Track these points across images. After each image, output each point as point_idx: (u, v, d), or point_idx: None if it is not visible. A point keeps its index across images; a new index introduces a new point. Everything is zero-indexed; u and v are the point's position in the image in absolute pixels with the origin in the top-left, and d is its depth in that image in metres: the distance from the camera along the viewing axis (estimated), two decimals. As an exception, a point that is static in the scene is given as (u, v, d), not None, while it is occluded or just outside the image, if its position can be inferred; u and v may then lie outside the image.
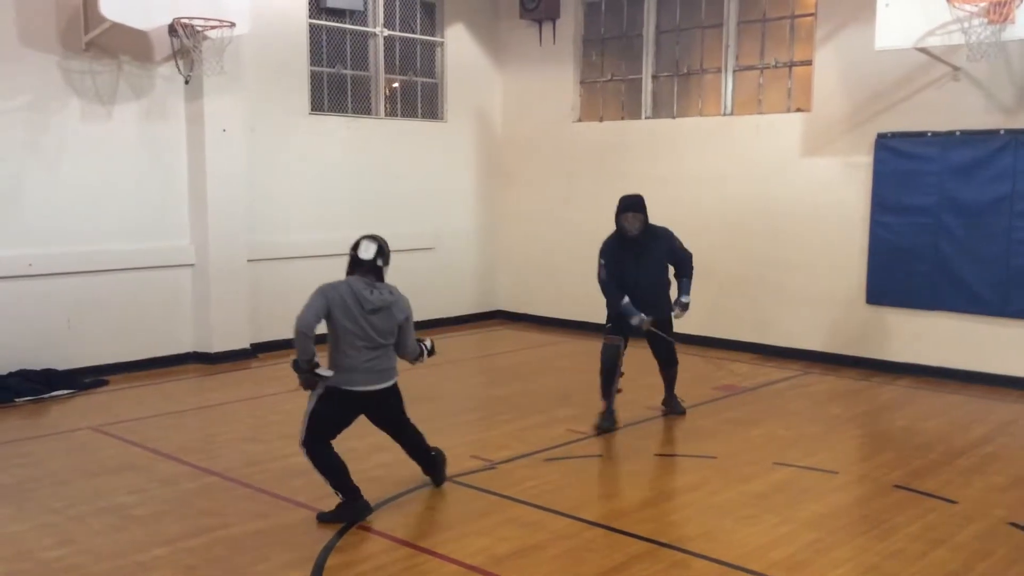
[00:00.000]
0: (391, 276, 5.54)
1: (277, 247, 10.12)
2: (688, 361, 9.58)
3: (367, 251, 5.30)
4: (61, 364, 8.56)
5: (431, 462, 5.78)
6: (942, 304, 8.97)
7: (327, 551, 4.81)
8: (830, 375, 9.24)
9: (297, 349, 5.17)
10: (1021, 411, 7.85)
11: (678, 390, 7.77)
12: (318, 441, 5.26)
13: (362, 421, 5.95)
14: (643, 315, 7.15)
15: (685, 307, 7.37)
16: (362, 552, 4.85)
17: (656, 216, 8.93)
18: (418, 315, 11.74)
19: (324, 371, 5.21)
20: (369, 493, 5.56)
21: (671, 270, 7.46)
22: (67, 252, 8.66)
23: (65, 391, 8.23)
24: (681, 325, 10.31)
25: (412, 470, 5.99)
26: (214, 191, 9.39)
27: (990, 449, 6.73)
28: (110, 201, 8.92)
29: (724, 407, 7.95)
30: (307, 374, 5.20)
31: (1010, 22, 7.42)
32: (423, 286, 10.50)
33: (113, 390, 8.48)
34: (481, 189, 12.38)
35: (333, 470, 5.26)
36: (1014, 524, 5.25)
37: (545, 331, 11.71)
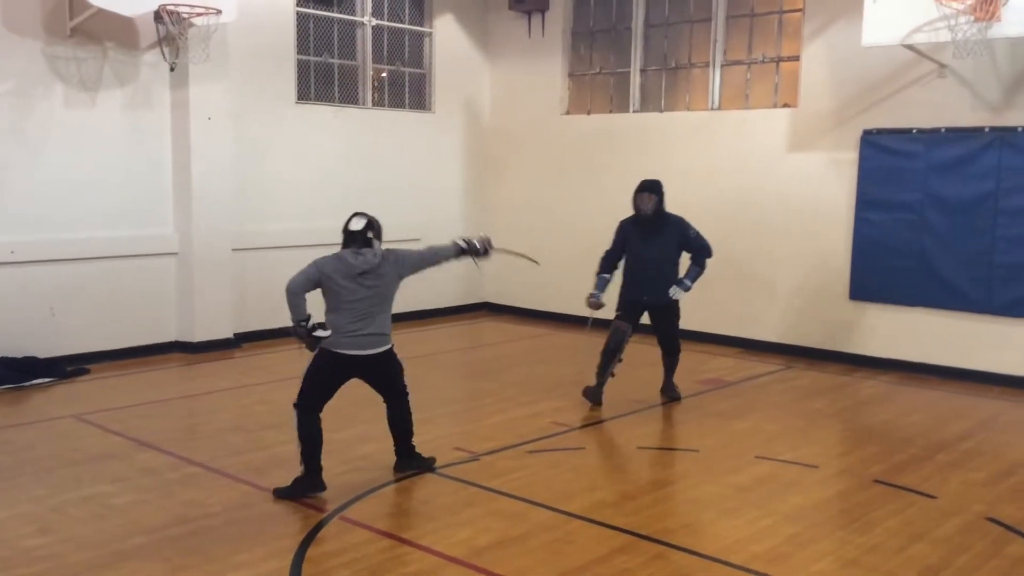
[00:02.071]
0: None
1: (263, 236, 10.08)
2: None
3: (357, 224, 5.53)
4: (43, 352, 8.50)
5: (408, 448, 5.91)
6: (925, 300, 9.02)
7: (307, 542, 4.80)
8: (813, 370, 9.27)
9: (290, 310, 5.43)
10: (1002, 407, 7.91)
11: (657, 383, 7.91)
12: (310, 405, 5.49)
13: (349, 410, 5.98)
14: (598, 295, 7.56)
15: (683, 288, 7.56)
16: (343, 543, 4.84)
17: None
18: (403, 306, 11.74)
19: (322, 332, 5.44)
20: (352, 483, 5.61)
21: (683, 260, 7.68)
22: (50, 240, 8.61)
23: (47, 379, 8.17)
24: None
25: (394, 461, 6.00)
26: (199, 179, 9.34)
27: (970, 445, 6.77)
28: (94, 189, 8.86)
29: (708, 401, 7.98)
30: (306, 336, 5.44)
31: (996, 20, 7.45)
32: (409, 277, 10.47)
33: (95, 379, 8.44)
34: (468, 181, 12.36)
35: (309, 439, 5.46)
36: (992, 519, 5.29)
37: (531, 323, 11.72)
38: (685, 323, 10.39)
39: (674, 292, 7.54)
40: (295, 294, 5.41)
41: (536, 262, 6.97)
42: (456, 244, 5.92)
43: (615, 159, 11.12)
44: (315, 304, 5.48)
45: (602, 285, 7.64)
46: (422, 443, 6.44)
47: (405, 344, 9.81)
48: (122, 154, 9.06)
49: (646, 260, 7.51)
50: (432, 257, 5.84)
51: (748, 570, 4.56)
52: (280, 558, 4.62)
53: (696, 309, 10.43)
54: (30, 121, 8.43)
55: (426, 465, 5.93)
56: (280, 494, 5.44)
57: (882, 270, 9.22)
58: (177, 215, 9.45)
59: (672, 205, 10.46)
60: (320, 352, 5.50)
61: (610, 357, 7.52)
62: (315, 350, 5.51)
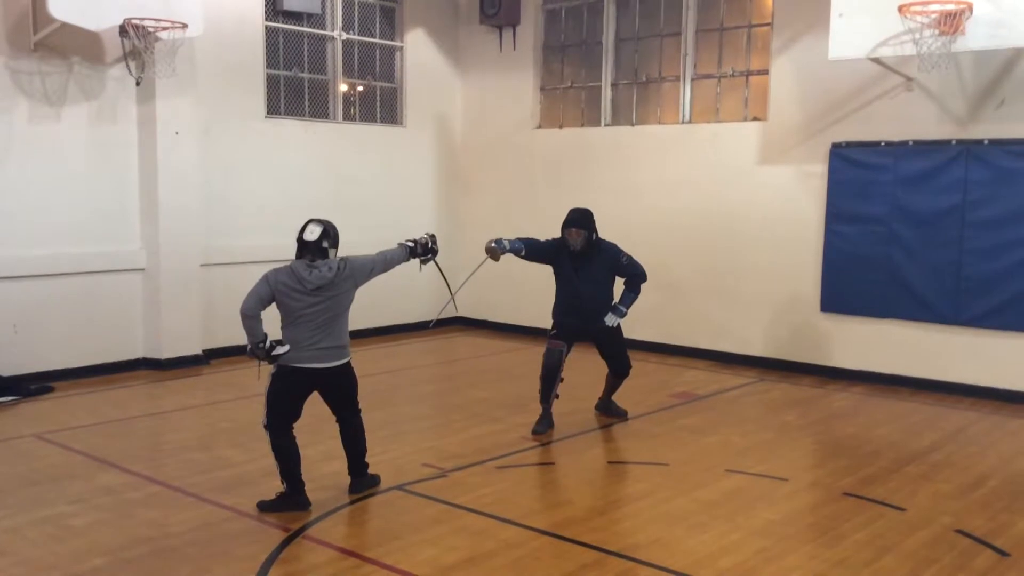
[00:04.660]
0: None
1: (231, 252, 9.98)
2: (644, 368, 9.60)
3: (312, 233, 5.38)
4: (6, 370, 8.36)
5: (360, 467, 5.82)
6: (895, 312, 9.05)
7: (270, 562, 4.72)
8: (785, 382, 9.28)
9: (246, 332, 5.35)
10: (971, 419, 7.93)
11: (634, 397, 7.77)
12: (279, 424, 5.43)
13: (314, 428, 5.90)
14: (503, 249, 7.05)
15: (618, 314, 7.30)
16: (306, 563, 4.76)
17: (615, 222, 8.97)
18: (375, 321, 11.68)
19: (281, 348, 5.35)
20: (316, 501, 5.53)
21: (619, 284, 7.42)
22: (14, 255, 8.48)
23: (10, 398, 8.04)
24: (637, 331, 10.36)
25: (361, 478, 5.95)
26: (166, 195, 9.24)
27: (939, 457, 6.78)
28: (59, 204, 8.75)
29: (679, 414, 7.95)
30: (265, 356, 5.36)
31: (960, 33, 7.51)
32: (381, 292, 10.41)
33: (60, 397, 8.30)
34: (440, 195, 12.32)
35: (286, 457, 5.41)
36: (960, 531, 5.28)
37: (503, 338, 11.67)
38: (657, 336, 10.50)
39: (610, 320, 7.27)
40: (251, 317, 5.31)
41: (453, 300, 6.99)
42: (403, 245, 5.92)
43: (587, 173, 11.13)
44: (274, 319, 5.42)
45: (510, 245, 7.10)
46: (390, 459, 6.41)
47: (376, 359, 9.83)
48: (88, 169, 8.95)
49: (579, 292, 7.21)
50: (384, 263, 5.79)
51: (716, 585, 4.53)
52: (241, 579, 4.54)
53: (668, 322, 10.50)
54: (-7, 136, 8.33)
55: (374, 483, 5.85)
56: (264, 507, 5.41)
57: (852, 282, 9.24)
58: (144, 231, 9.34)
59: (643, 218, 10.57)
60: (279, 369, 5.42)
61: (550, 380, 7.22)
62: (273, 367, 5.43)
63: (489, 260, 7.26)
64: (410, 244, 5.94)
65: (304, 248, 5.39)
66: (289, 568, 4.69)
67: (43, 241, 8.67)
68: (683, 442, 7.06)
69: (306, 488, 5.48)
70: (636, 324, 10.55)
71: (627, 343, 7.60)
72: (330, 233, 5.43)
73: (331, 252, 5.43)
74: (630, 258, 7.33)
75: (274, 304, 5.41)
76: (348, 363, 5.60)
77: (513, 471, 6.31)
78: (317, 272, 5.34)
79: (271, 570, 4.64)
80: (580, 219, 7.19)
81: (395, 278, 11.55)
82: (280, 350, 5.33)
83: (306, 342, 5.36)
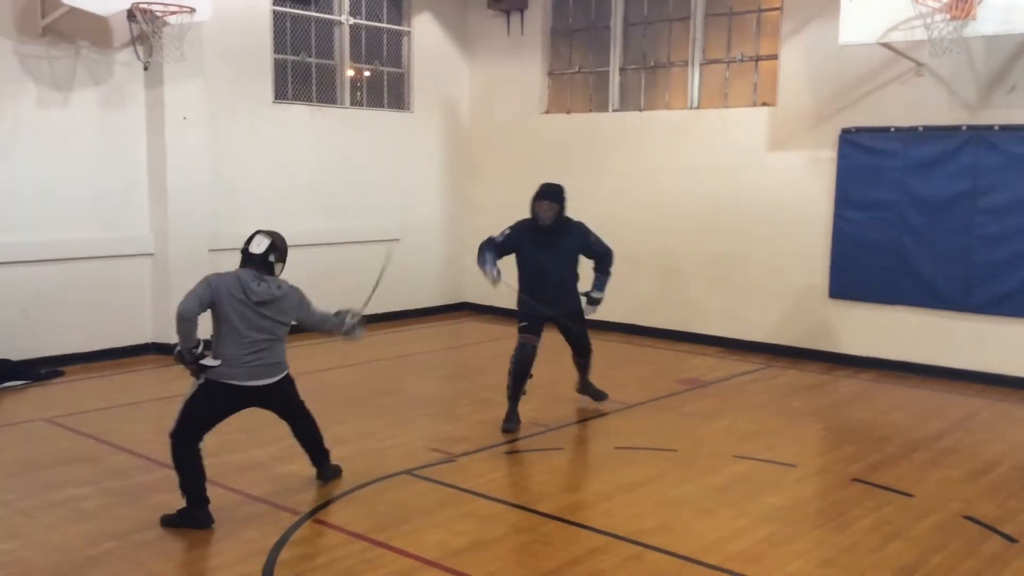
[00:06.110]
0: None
1: (239, 237, 9.76)
2: (653, 354, 9.64)
3: (258, 246, 5.13)
4: (16, 355, 8.39)
5: (322, 457, 5.64)
6: (904, 299, 9.03)
7: (280, 545, 4.74)
8: (793, 368, 9.27)
9: (179, 335, 4.99)
10: (980, 405, 7.92)
11: (642, 383, 7.77)
12: (187, 436, 5.02)
13: (325, 414, 5.90)
14: (495, 272, 6.82)
15: (595, 302, 7.17)
16: (316, 546, 4.79)
17: (622, 207, 8.97)
18: (383, 307, 11.68)
19: (210, 361, 5.00)
20: (325, 485, 5.52)
21: (583, 265, 7.24)
22: (23, 241, 8.50)
23: (20, 382, 8.07)
24: (644, 316, 10.36)
25: (370, 463, 5.99)
26: (174, 179, 9.25)
27: (948, 443, 6.77)
28: (67, 189, 8.76)
29: (687, 400, 7.95)
30: (192, 364, 5.00)
31: (972, 18, 7.46)
32: (388, 278, 10.44)
33: (69, 381, 8.34)
34: (447, 180, 12.31)
35: (190, 472, 5.00)
36: (969, 517, 5.28)
37: (511, 323, 11.60)
38: (665, 322, 10.50)
39: (588, 311, 7.15)
40: (187, 320, 4.91)
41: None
42: (337, 316, 5.49)
43: (594, 158, 11.10)
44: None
45: (493, 261, 6.88)
46: (398, 444, 6.45)
47: (384, 345, 9.85)
48: (96, 154, 8.95)
49: (545, 272, 6.94)
50: (321, 320, 5.43)
51: (724, 570, 4.54)
52: (253, 561, 4.56)
53: (676, 308, 10.49)
54: (1, 121, 8.31)
55: (337, 472, 5.67)
56: (166, 521, 4.99)
57: (861, 268, 9.22)
58: (153, 216, 9.35)
59: (651, 204, 10.57)
60: (208, 383, 5.02)
61: (521, 376, 6.97)
62: (200, 379, 5.04)
63: (494, 286, 6.92)
64: (336, 319, 5.48)
65: (249, 260, 5.11)
66: (298, 551, 4.71)
67: (52, 226, 8.69)
68: (691, 428, 7.07)
69: (305, 471, 5.39)
70: (643, 310, 10.60)
71: (627, 328, 7.57)
72: (278, 246, 5.16)
73: (277, 267, 5.16)
74: (598, 237, 7.15)
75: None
76: (286, 375, 5.27)
77: (521, 456, 6.33)
78: (265, 286, 5.04)
79: (280, 553, 4.66)
80: (552, 192, 6.92)
81: (404, 264, 11.60)
82: (209, 362, 4.97)
83: (241, 359, 5.00)
